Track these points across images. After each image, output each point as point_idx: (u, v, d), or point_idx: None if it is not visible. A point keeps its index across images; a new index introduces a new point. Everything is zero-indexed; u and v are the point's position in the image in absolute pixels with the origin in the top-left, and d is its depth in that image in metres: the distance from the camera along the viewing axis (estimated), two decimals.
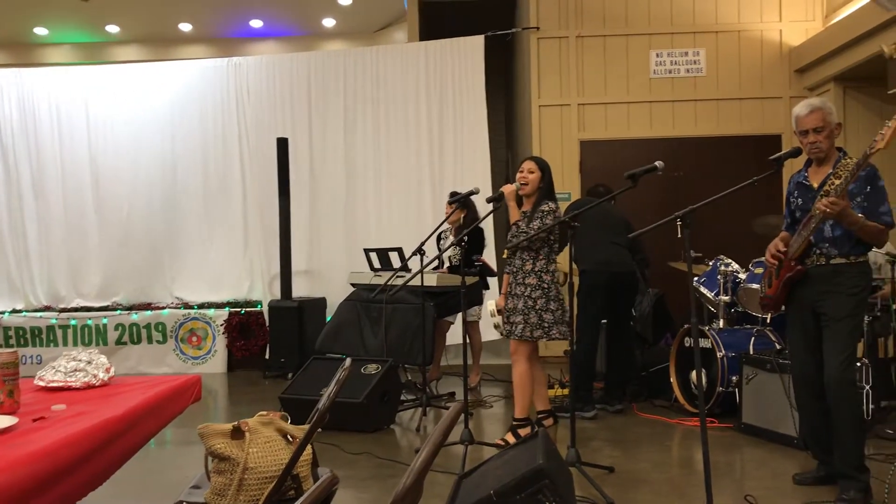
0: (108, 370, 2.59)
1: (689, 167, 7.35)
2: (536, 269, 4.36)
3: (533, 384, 4.46)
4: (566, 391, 5.50)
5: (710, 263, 5.44)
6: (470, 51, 7.64)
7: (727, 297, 5.21)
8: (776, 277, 3.53)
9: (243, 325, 7.56)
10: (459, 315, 5.81)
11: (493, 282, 6.42)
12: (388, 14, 9.66)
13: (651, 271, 5.93)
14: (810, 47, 7.18)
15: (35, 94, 8.08)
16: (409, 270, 5.28)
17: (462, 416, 4.28)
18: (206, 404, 6.01)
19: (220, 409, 5.96)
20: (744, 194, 3.22)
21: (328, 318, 6.89)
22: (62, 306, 7.87)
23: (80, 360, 2.55)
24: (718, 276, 5.25)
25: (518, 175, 4.50)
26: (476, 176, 7.29)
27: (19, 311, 7.84)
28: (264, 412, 2.31)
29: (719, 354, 4.82)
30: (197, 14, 9.60)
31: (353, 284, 6.12)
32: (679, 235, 2.91)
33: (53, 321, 7.64)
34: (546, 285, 4.34)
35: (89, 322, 7.62)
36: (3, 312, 7.79)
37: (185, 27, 9.99)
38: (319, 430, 2.02)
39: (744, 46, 7.58)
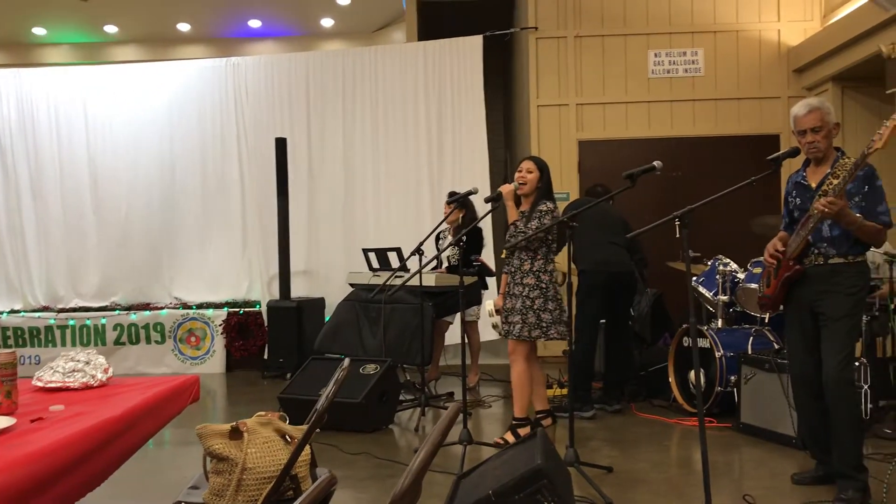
0: (106, 371, 2.59)
1: (687, 167, 7.35)
2: (534, 268, 4.36)
3: (532, 384, 4.47)
4: (565, 391, 5.50)
5: (709, 263, 5.44)
6: (468, 51, 7.64)
7: (726, 297, 5.22)
8: (774, 277, 3.53)
9: (242, 326, 7.56)
10: (458, 315, 5.81)
11: (491, 282, 6.43)
12: (387, 14, 9.65)
13: (649, 271, 5.94)
14: (808, 47, 7.19)
15: (33, 94, 8.07)
16: (407, 270, 5.28)
17: (461, 416, 4.28)
18: (205, 405, 6.01)
19: (218, 409, 5.96)
20: (742, 194, 3.22)
21: (327, 319, 6.89)
22: (60, 306, 7.87)
23: (78, 361, 2.55)
24: (717, 276, 5.25)
25: (516, 175, 4.50)
26: (474, 176, 7.29)
27: (18, 312, 7.83)
28: (263, 412, 2.31)
29: (718, 354, 4.82)
30: (195, 14, 9.59)
31: (351, 284, 6.12)
32: (677, 235, 2.91)
33: (52, 321, 7.64)
34: (544, 285, 4.34)
35: (88, 322, 7.61)
36: (1, 313, 7.79)
37: (184, 27, 9.98)
38: (318, 430, 2.02)
39: (742, 46, 7.58)
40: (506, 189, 4.45)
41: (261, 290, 7.74)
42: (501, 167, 10.06)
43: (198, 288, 7.87)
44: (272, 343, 7.13)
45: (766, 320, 5.12)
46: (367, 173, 7.75)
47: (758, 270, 4.90)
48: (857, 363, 4.20)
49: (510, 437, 4.36)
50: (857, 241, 3.31)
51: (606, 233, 5.22)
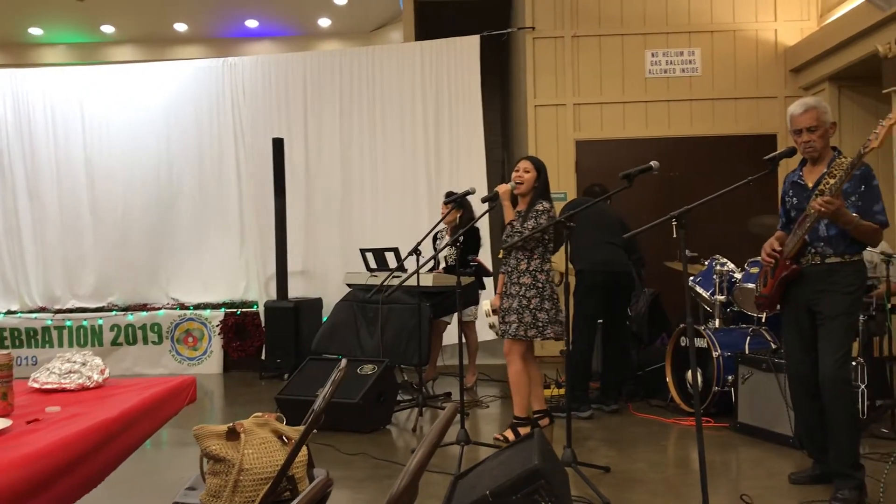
0: (102, 372, 2.59)
1: (684, 167, 7.36)
2: (531, 268, 4.36)
3: (529, 383, 4.47)
4: (562, 391, 5.50)
5: (706, 263, 5.45)
6: (466, 51, 7.64)
7: (723, 297, 5.22)
8: (772, 277, 3.53)
9: (239, 326, 7.55)
10: (456, 315, 5.81)
11: (489, 282, 6.42)
12: (384, 14, 9.65)
13: (647, 271, 5.94)
14: (805, 47, 7.20)
15: (30, 94, 8.05)
16: (405, 271, 5.27)
17: (458, 417, 4.28)
18: (202, 405, 6.00)
19: (215, 410, 5.95)
20: (739, 194, 3.23)
21: (324, 319, 6.89)
22: (57, 307, 7.85)
23: (74, 362, 2.55)
24: (714, 276, 5.25)
25: (514, 174, 4.50)
26: (472, 176, 7.28)
27: (14, 313, 7.82)
28: (260, 413, 2.31)
29: (715, 354, 4.82)
30: (192, 14, 9.58)
31: (349, 285, 6.11)
32: (674, 235, 2.91)
33: (49, 322, 7.62)
34: (540, 285, 4.34)
35: (85, 323, 7.60)
36: None
37: (181, 27, 9.97)
38: (315, 430, 2.02)
39: (739, 46, 7.59)
40: (503, 189, 4.45)
41: (258, 291, 7.74)
42: (499, 167, 10.07)
43: (195, 288, 7.86)
44: (269, 344, 7.12)
45: (763, 320, 5.12)
46: (364, 173, 7.74)
47: (755, 270, 4.91)
48: (853, 362, 4.20)
49: (510, 435, 4.37)
50: (853, 241, 3.31)
51: (604, 233, 5.22)
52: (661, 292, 5.92)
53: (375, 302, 5.47)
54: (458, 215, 5.90)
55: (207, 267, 7.86)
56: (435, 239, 6.16)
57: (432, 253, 5.17)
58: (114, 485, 2.35)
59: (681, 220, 2.91)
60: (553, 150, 7.55)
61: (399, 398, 5.34)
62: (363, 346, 5.60)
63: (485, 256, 6.60)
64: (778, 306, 3.60)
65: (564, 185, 7.47)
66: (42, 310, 7.84)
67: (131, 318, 7.61)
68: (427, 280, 5.41)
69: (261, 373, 7.14)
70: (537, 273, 4.36)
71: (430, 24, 8.68)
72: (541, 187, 4.46)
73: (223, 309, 7.63)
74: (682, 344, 5.14)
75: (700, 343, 4.97)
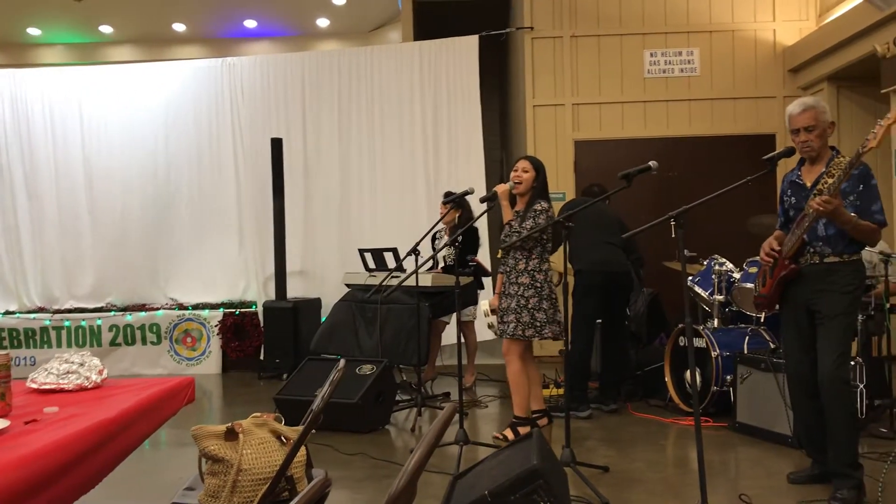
0: (100, 372, 2.59)
1: (683, 167, 7.36)
2: (529, 268, 4.36)
3: (528, 382, 4.47)
4: (561, 391, 5.50)
5: (705, 263, 5.45)
6: (464, 51, 7.64)
7: (721, 297, 5.22)
8: (770, 276, 3.54)
9: (238, 326, 7.55)
10: (454, 315, 5.81)
11: (487, 282, 6.43)
12: (383, 14, 9.64)
13: (645, 271, 5.94)
14: (804, 47, 7.20)
15: (28, 94, 8.05)
16: (403, 271, 5.27)
17: (457, 417, 4.28)
18: (201, 405, 6.00)
19: (214, 410, 5.95)
20: (738, 194, 3.23)
21: (323, 319, 6.89)
22: (56, 307, 7.85)
23: (72, 363, 2.54)
24: (713, 276, 5.25)
25: (512, 174, 4.50)
26: (470, 176, 7.29)
27: (13, 313, 7.81)
28: (258, 413, 2.31)
29: (714, 354, 4.82)
30: (190, 14, 9.57)
31: (347, 285, 6.11)
32: (673, 235, 2.91)
33: (47, 322, 7.61)
34: (539, 284, 4.35)
35: (83, 323, 7.59)
36: None
37: (179, 27, 9.96)
38: (314, 430, 2.01)
39: (738, 46, 7.59)
40: (501, 188, 4.45)
41: (257, 291, 7.73)
42: (497, 167, 10.07)
43: (194, 288, 7.85)
44: (268, 344, 7.11)
45: (762, 320, 5.12)
46: (363, 173, 7.74)
47: (753, 270, 4.91)
48: (852, 362, 4.21)
49: (509, 434, 4.37)
50: (852, 240, 3.32)
51: (603, 233, 5.22)
52: (660, 292, 5.93)
53: (374, 302, 5.47)
54: (457, 215, 5.90)
55: (206, 267, 7.85)
56: (433, 239, 6.16)
57: (431, 253, 5.17)
58: (112, 485, 2.34)
59: (679, 220, 2.91)
60: (552, 149, 7.55)
61: (398, 398, 5.34)
62: (362, 347, 5.60)
63: (483, 256, 6.60)
64: (777, 306, 3.60)
65: (563, 185, 7.48)
66: (40, 310, 7.84)
67: (130, 318, 7.60)
68: (426, 280, 5.41)
69: (259, 373, 7.13)
70: (536, 273, 4.36)
71: (428, 25, 8.67)
72: (539, 187, 4.47)
73: (222, 309, 7.63)
74: (681, 344, 5.14)
75: (699, 343, 4.97)
